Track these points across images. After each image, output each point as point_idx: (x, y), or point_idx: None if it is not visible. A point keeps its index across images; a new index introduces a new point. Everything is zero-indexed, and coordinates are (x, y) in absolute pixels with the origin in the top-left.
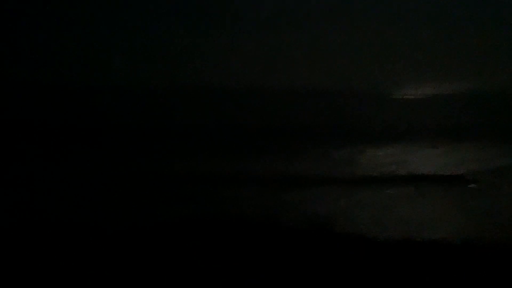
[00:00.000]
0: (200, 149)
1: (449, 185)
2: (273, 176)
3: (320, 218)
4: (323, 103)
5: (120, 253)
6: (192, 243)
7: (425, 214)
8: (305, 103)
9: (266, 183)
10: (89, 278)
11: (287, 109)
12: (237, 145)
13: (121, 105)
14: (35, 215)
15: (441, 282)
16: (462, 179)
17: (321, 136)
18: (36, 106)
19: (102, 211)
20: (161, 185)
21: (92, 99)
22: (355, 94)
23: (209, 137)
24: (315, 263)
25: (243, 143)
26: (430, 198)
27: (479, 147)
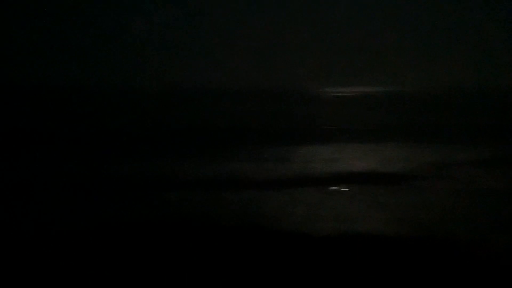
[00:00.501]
0: (134, 152)
1: (380, 182)
2: (208, 178)
3: (256, 216)
4: (253, 103)
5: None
6: (134, 245)
7: (357, 210)
8: (236, 103)
9: (201, 185)
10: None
11: (217, 110)
12: (168, 147)
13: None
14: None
15: (374, 275)
16: (393, 176)
17: (252, 136)
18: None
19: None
20: (99, 188)
21: (89, 100)
22: (285, 93)
23: (140, 139)
24: (254, 260)
25: (175, 144)
26: (362, 194)
27: (409, 145)
